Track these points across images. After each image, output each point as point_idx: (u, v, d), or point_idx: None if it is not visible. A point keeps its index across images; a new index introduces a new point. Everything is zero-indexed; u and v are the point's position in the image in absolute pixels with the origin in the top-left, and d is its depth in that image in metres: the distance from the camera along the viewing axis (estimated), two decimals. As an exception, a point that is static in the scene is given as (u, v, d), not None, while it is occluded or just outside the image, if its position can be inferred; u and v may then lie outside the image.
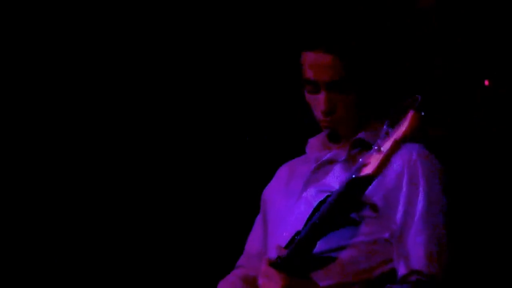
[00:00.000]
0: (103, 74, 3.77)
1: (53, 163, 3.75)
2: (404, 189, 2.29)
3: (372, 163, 1.97)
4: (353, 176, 2.02)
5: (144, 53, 3.77)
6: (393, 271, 2.27)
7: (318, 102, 2.40)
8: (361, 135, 2.42)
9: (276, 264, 2.16)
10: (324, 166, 2.47)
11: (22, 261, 3.70)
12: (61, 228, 3.74)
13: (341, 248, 2.28)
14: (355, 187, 2.06)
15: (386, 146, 1.95)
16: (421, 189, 2.28)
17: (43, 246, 3.72)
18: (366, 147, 2.35)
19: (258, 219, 2.72)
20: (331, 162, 2.47)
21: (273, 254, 2.35)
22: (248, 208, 2.83)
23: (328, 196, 2.23)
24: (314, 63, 2.35)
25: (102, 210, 3.76)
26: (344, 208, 2.14)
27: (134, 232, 3.75)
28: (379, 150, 1.97)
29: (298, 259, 2.16)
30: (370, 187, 2.08)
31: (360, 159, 2.03)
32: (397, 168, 2.28)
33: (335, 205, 2.10)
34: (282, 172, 2.69)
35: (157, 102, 3.80)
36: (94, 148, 3.79)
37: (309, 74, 2.38)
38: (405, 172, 2.29)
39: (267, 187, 2.72)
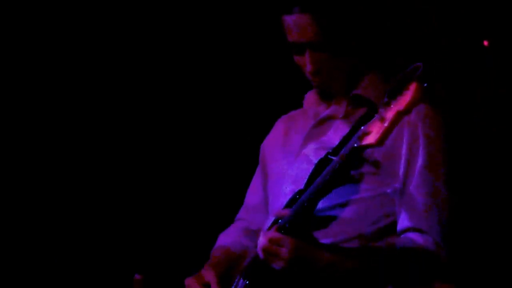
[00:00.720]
0: (99, 71, 3.76)
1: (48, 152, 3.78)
2: (405, 144, 2.30)
3: (374, 132, 1.98)
4: (355, 145, 2.03)
5: (138, 48, 3.78)
6: (394, 225, 2.30)
7: (304, 64, 2.41)
8: (358, 91, 2.42)
9: (283, 229, 2.16)
10: (323, 123, 2.48)
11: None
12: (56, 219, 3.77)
13: (343, 205, 2.30)
14: (357, 155, 2.07)
15: (388, 116, 1.95)
16: (421, 144, 2.30)
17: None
18: (364, 103, 2.38)
19: (258, 172, 2.74)
20: (330, 118, 2.47)
21: (273, 209, 2.43)
22: (247, 160, 2.84)
23: (328, 154, 2.26)
24: (293, 25, 2.36)
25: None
26: (344, 172, 2.14)
27: (136, 183, 3.78)
28: (381, 120, 1.96)
29: (301, 221, 2.17)
30: None
31: (362, 127, 2.03)
32: (399, 124, 2.26)
33: (338, 171, 2.11)
34: (281, 124, 2.69)
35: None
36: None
37: (290, 37, 2.39)
38: (405, 128, 2.30)
39: (266, 139, 2.73)
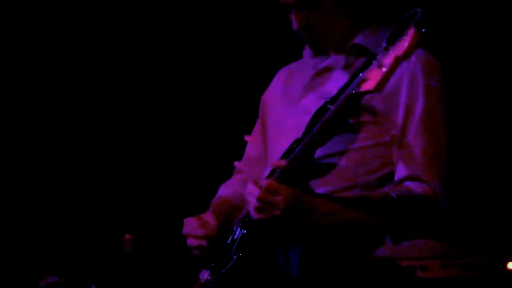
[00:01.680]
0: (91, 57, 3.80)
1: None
2: (404, 92, 2.31)
3: (372, 78, 2.01)
4: (353, 91, 2.06)
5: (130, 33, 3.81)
6: (392, 174, 2.32)
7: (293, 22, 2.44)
8: (356, 40, 2.44)
9: (280, 178, 2.19)
10: (322, 73, 2.50)
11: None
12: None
13: (341, 153, 2.32)
14: (355, 102, 2.09)
15: (387, 62, 1.97)
16: (420, 92, 2.31)
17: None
18: (363, 52, 2.39)
19: (257, 124, 2.77)
20: (329, 69, 2.49)
21: (271, 159, 2.47)
22: (247, 113, 2.87)
23: (326, 103, 2.27)
24: None
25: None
26: (342, 121, 2.18)
27: (128, 142, 3.84)
28: (379, 66, 1.98)
29: (298, 170, 2.19)
30: None
31: (360, 74, 2.06)
32: (397, 71, 2.27)
33: (335, 119, 2.14)
34: (281, 75, 2.72)
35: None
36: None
37: None
38: (405, 75, 2.32)
39: (266, 90, 2.76)
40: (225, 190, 2.73)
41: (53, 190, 3.84)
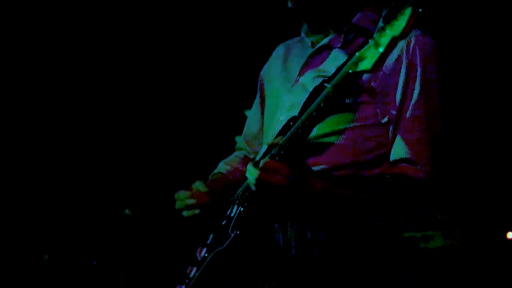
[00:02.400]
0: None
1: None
2: (402, 74, 2.28)
3: (369, 58, 1.98)
4: (350, 71, 2.03)
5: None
6: (387, 154, 2.30)
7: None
8: (355, 19, 2.41)
9: (277, 156, 2.17)
10: (320, 52, 2.46)
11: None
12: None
13: (337, 132, 2.30)
14: (352, 81, 2.07)
15: (383, 42, 1.94)
16: (419, 75, 2.28)
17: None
18: (362, 32, 2.36)
19: (256, 100, 2.74)
20: (327, 47, 2.46)
21: (268, 136, 2.43)
22: (247, 87, 2.84)
23: (324, 81, 2.25)
24: None
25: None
26: (339, 100, 2.15)
27: (137, 108, 3.83)
28: (376, 46, 1.96)
29: (294, 149, 2.17)
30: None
31: (357, 53, 2.02)
32: (396, 53, 2.26)
33: (332, 97, 2.10)
34: (279, 52, 2.69)
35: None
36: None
37: None
38: (403, 57, 2.28)
39: (264, 66, 2.73)
40: (224, 166, 2.72)
41: (53, 168, 3.83)
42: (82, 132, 3.90)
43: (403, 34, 1.92)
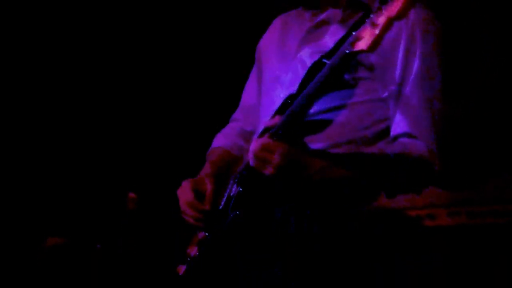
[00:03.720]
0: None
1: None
2: (401, 49, 2.27)
3: (366, 38, 1.98)
4: (347, 51, 2.03)
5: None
6: (387, 130, 2.29)
7: None
8: None
9: (275, 135, 2.16)
10: (319, 26, 2.44)
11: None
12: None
13: (336, 109, 2.28)
14: (349, 61, 2.07)
15: (380, 22, 1.95)
16: (418, 49, 2.26)
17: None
18: (361, 7, 2.33)
19: (253, 72, 2.72)
20: (325, 23, 2.43)
21: (266, 113, 2.39)
22: (242, 60, 2.82)
23: (322, 57, 2.24)
24: None
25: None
26: (337, 78, 2.15)
27: (136, 91, 3.83)
28: (373, 25, 1.96)
29: (292, 127, 2.16)
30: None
31: (353, 33, 2.03)
32: (395, 27, 2.19)
33: (329, 77, 2.10)
34: (277, 24, 2.66)
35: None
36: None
37: None
38: (403, 32, 2.27)
39: (262, 38, 2.70)
40: (221, 141, 2.69)
41: (57, 150, 3.84)
42: (86, 117, 3.91)
43: (399, 15, 1.92)
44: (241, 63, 2.86)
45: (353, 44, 2.01)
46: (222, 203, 2.39)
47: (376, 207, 2.28)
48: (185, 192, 2.43)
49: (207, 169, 2.53)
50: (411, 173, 2.22)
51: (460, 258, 3.35)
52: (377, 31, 1.95)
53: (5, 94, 3.82)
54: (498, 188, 3.39)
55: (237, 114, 2.74)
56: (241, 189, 2.31)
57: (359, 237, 2.24)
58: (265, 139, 2.14)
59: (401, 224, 2.46)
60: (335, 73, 2.10)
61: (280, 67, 2.48)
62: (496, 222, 3.38)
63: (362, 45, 1.99)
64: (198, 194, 2.42)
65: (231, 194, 2.35)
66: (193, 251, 2.41)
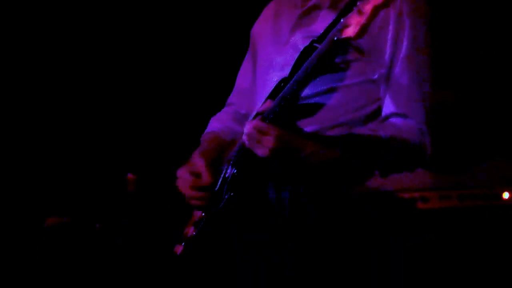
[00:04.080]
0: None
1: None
2: (390, 30, 2.31)
3: (353, 25, 2.03)
4: (335, 38, 2.08)
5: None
6: (379, 111, 2.34)
7: None
8: None
9: (268, 118, 2.20)
10: (310, 12, 2.48)
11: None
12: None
13: (328, 91, 2.33)
14: (337, 47, 2.12)
15: (366, 10, 2.00)
16: (407, 29, 2.31)
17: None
18: None
19: (248, 56, 2.76)
20: (316, 7, 2.48)
21: (260, 96, 2.45)
22: (237, 45, 2.86)
23: (313, 41, 2.29)
24: None
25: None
26: (326, 64, 2.19)
27: (136, 75, 3.87)
28: (359, 13, 2.01)
29: (285, 110, 2.20)
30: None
31: (342, 20, 2.07)
32: (384, 10, 2.26)
33: (319, 63, 2.15)
34: (270, 9, 2.70)
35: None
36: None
37: None
38: (391, 13, 2.31)
39: (256, 23, 2.74)
40: (215, 125, 2.73)
41: (57, 132, 3.86)
42: (87, 102, 3.93)
43: (385, 3, 1.97)
44: (235, 49, 2.89)
45: (341, 31, 2.06)
46: (218, 184, 2.41)
47: (370, 190, 2.32)
48: (183, 179, 2.45)
49: (196, 152, 2.55)
50: (402, 152, 2.26)
51: (451, 239, 3.38)
52: (363, 20, 2.00)
53: (5, 82, 3.83)
54: (488, 171, 3.43)
55: (232, 98, 2.77)
56: (235, 170, 2.34)
57: (354, 220, 2.28)
58: (258, 122, 2.18)
59: (394, 207, 2.49)
60: (324, 59, 2.14)
61: (273, 51, 2.52)
62: (486, 205, 3.43)
63: (349, 32, 2.04)
64: (195, 175, 2.45)
65: (226, 175, 2.38)
66: (190, 231, 2.46)
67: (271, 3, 2.73)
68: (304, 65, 2.18)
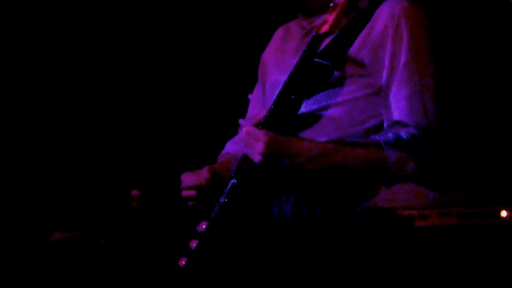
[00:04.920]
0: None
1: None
2: (389, 43, 2.33)
3: (329, 21, 2.13)
4: (314, 33, 2.17)
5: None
6: (381, 126, 2.36)
7: None
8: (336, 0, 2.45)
9: (260, 124, 2.22)
10: (309, 34, 2.50)
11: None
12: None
13: (328, 107, 2.35)
14: (317, 43, 2.18)
15: (340, 2, 2.10)
16: (405, 42, 2.33)
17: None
18: None
19: (258, 82, 2.80)
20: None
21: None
22: (251, 72, 2.90)
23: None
24: None
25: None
26: (311, 62, 2.22)
27: (145, 91, 3.90)
28: (334, 8, 2.11)
29: (279, 116, 2.22)
30: (356, 44, 2.23)
31: (323, 16, 2.16)
32: (382, 23, 2.33)
33: (302, 59, 2.21)
34: (278, 35, 2.76)
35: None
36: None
37: None
38: (389, 26, 2.34)
39: (265, 50, 2.79)
40: (231, 147, 2.76)
41: (62, 148, 3.88)
42: (92, 115, 3.95)
43: None
44: (247, 68, 2.94)
45: (320, 27, 2.14)
46: (222, 198, 2.39)
47: (370, 207, 2.33)
48: (186, 176, 2.49)
49: (207, 166, 2.56)
50: (401, 158, 2.25)
51: (450, 257, 3.39)
52: (335, 12, 2.09)
53: (9, 92, 3.85)
54: (488, 190, 3.45)
55: (245, 124, 2.80)
56: (235, 181, 2.32)
57: (354, 238, 2.28)
58: (250, 127, 2.18)
59: (393, 224, 2.50)
60: (308, 59, 2.19)
61: (278, 75, 2.55)
62: (484, 223, 3.45)
63: (325, 27, 2.13)
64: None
65: (227, 187, 2.36)
66: (193, 244, 2.45)
67: (279, 28, 2.78)
68: (291, 69, 2.24)
